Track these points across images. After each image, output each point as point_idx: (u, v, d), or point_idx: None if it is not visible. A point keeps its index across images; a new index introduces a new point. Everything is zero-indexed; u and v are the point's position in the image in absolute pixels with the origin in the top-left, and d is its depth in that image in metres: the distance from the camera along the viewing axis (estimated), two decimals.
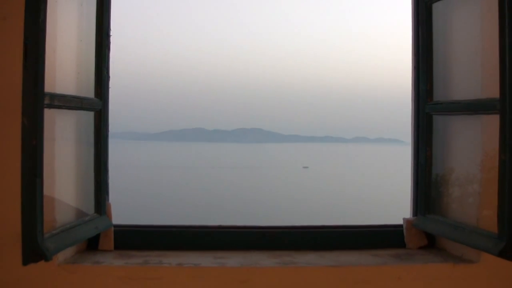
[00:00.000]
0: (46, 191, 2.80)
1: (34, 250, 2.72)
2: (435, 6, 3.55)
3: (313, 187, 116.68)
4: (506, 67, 2.78)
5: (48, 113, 2.82)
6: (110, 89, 3.55)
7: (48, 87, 2.79)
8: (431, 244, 3.70)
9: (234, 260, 3.41)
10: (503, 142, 2.84)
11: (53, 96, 2.94)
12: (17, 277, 3.17)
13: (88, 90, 3.42)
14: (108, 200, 3.59)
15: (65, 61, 3.21)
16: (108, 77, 3.53)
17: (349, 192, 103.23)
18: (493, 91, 2.93)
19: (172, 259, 3.39)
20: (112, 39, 3.56)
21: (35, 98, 2.68)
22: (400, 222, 3.75)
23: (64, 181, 3.28)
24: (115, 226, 3.59)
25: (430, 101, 3.58)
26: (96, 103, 3.45)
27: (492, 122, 2.96)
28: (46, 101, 2.80)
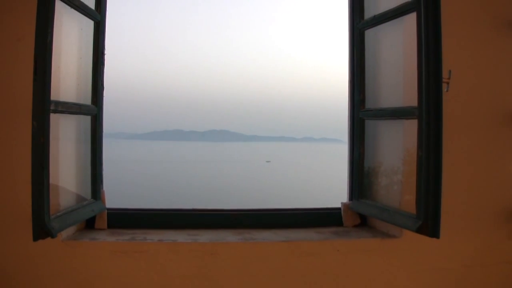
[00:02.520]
0: (51, 180, 2.79)
1: (42, 228, 2.71)
2: (367, 32, 3.61)
3: (275, 177, 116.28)
4: (422, 81, 2.85)
5: (53, 117, 2.81)
6: (104, 97, 3.55)
7: (53, 96, 2.78)
8: (363, 223, 3.76)
9: (205, 236, 3.43)
10: (420, 141, 2.91)
11: (57, 103, 2.93)
12: (28, 251, 3.19)
13: (86, 98, 3.41)
14: (102, 188, 3.58)
15: (68, 75, 3.20)
16: (103, 87, 3.52)
17: (300, 181, 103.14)
18: (412, 100, 3.00)
19: (154, 236, 3.40)
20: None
21: (43, 105, 2.67)
22: (339, 205, 3.80)
23: (66, 173, 3.27)
24: (108, 209, 3.59)
25: (362, 109, 3.64)
26: (93, 109, 3.44)
27: (411, 126, 3.03)
28: (52, 107, 2.79)
